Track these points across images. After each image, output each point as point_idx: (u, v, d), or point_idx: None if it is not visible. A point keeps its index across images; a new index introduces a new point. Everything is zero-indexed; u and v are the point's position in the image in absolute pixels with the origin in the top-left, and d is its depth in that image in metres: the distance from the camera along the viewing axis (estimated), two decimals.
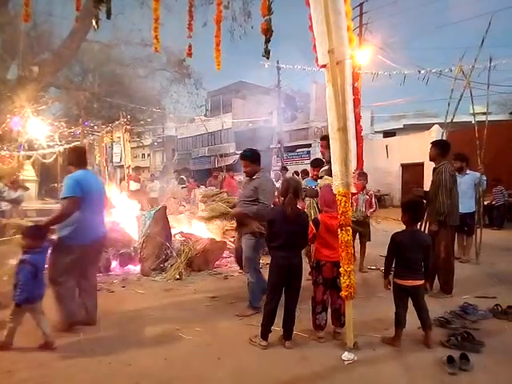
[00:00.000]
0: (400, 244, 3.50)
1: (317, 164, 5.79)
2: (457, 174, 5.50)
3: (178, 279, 5.71)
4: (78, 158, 3.95)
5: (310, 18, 3.39)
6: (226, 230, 7.57)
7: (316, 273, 3.66)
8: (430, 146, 5.11)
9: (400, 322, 3.45)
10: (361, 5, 17.74)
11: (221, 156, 27.07)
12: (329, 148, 4.28)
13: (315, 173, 5.69)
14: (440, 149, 5.00)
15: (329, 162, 4.28)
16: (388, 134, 22.37)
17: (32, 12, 7.47)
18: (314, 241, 3.67)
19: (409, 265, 3.44)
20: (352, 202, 4.70)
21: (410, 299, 3.51)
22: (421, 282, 3.51)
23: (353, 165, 3.42)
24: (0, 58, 12.36)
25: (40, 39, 14.86)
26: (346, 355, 3.21)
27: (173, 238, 6.70)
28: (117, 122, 11.81)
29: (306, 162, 22.03)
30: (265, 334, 3.45)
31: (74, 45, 12.10)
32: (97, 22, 5.15)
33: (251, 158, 4.45)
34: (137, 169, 13.61)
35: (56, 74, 13.59)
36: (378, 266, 6.43)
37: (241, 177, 18.51)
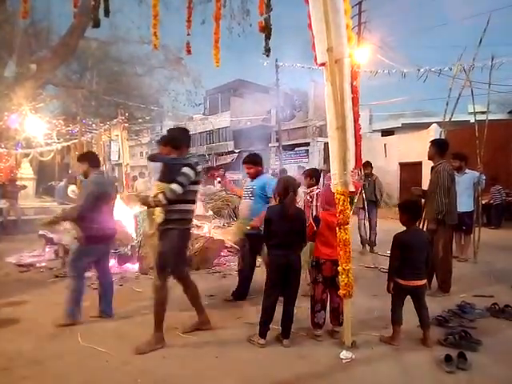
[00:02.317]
0: (404, 244, 3.48)
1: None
2: (456, 173, 5.51)
3: None
4: None
5: (309, 16, 3.39)
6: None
7: (316, 271, 3.65)
8: (429, 145, 5.11)
9: (397, 318, 3.46)
10: (360, 3, 17.73)
11: (215, 155, 27.13)
12: (165, 145, 3.72)
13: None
14: (438, 148, 5.00)
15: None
16: (386, 132, 22.37)
17: (30, 9, 7.42)
18: (315, 239, 3.66)
19: (413, 265, 3.43)
20: None
21: (408, 298, 3.51)
22: (424, 282, 3.52)
23: (351, 164, 3.42)
24: None
25: (38, 36, 14.81)
26: (344, 354, 3.21)
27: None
28: (115, 120, 11.77)
29: (304, 160, 22.04)
30: (263, 332, 3.45)
31: (72, 42, 12.05)
32: (95, 21, 5.13)
33: (81, 158, 4.22)
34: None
35: (54, 71, 13.53)
36: (376, 264, 6.44)
37: (239, 175, 18.55)
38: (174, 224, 3.44)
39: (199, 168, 3.53)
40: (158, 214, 3.47)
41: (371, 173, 7.89)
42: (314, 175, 5.06)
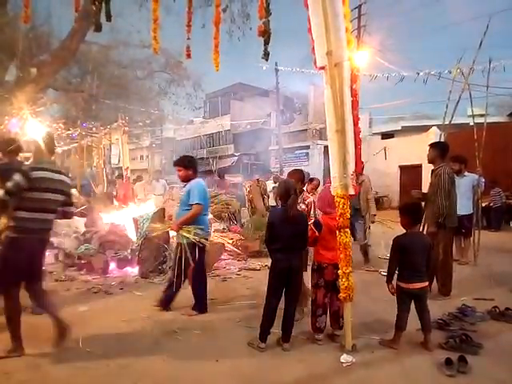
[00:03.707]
0: (404, 247, 3.48)
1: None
2: (455, 175, 5.50)
3: None
4: None
5: (309, 20, 3.40)
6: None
7: (317, 275, 3.64)
8: (429, 148, 5.10)
9: (401, 325, 3.45)
10: (359, 6, 17.78)
11: (215, 158, 27.20)
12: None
13: None
14: (439, 151, 5.00)
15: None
16: (386, 135, 22.39)
17: (31, 13, 7.45)
18: (316, 244, 3.65)
19: (414, 268, 3.43)
20: None
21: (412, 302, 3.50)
22: (425, 284, 3.52)
23: (351, 166, 3.43)
24: None
25: (38, 40, 14.82)
26: (345, 357, 3.20)
27: (171, 240, 6.69)
28: (115, 124, 11.80)
29: (304, 163, 22.05)
30: (263, 336, 3.45)
31: (73, 46, 12.06)
32: (97, 25, 5.14)
33: None
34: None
35: (54, 75, 13.54)
36: (375, 267, 6.43)
37: (239, 178, 18.60)
38: (9, 231, 3.29)
39: (35, 174, 3.27)
40: (4, 222, 3.42)
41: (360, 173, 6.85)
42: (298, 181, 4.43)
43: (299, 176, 4.44)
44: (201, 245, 4.28)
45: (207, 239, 4.44)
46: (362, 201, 6.54)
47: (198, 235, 4.23)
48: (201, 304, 4.41)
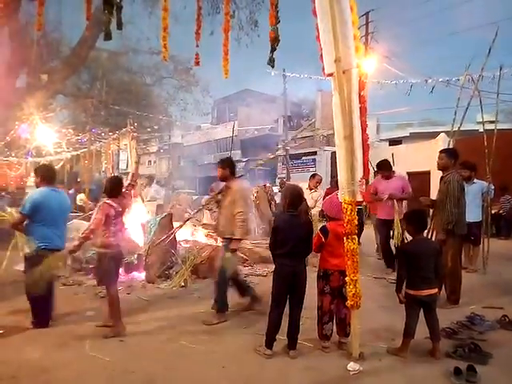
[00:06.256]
0: (410, 254, 3.47)
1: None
2: (464, 182, 5.45)
3: (182, 286, 5.70)
4: None
5: (317, 28, 3.42)
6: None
7: (323, 282, 3.62)
8: (441, 154, 5.01)
9: (410, 333, 3.41)
10: (367, 13, 17.82)
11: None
12: None
13: None
14: (451, 157, 4.94)
15: None
16: (394, 142, 22.30)
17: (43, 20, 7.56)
18: (322, 250, 3.64)
19: (422, 274, 3.40)
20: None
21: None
22: (435, 291, 3.48)
23: (359, 173, 3.42)
24: (9, 65, 12.52)
25: (49, 47, 15.06)
26: (352, 365, 3.17)
27: (178, 245, 6.71)
28: (124, 130, 11.89)
29: (311, 169, 22.02)
30: (269, 342, 3.43)
31: (83, 53, 12.26)
32: (107, 34, 5.18)
33: None
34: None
35: (64, 81, 13.74)
36: (382, 274, 6.38)
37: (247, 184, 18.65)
38: None
39: None
40: None
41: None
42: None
43: (116, 182, 4.25)
44: (33, 254, 4.09)
45: (38, 252, 4.10)
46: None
47: (29, 247, 4.11)
48: (35, 317, 4.11)
